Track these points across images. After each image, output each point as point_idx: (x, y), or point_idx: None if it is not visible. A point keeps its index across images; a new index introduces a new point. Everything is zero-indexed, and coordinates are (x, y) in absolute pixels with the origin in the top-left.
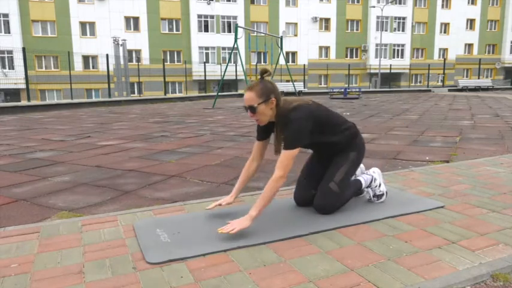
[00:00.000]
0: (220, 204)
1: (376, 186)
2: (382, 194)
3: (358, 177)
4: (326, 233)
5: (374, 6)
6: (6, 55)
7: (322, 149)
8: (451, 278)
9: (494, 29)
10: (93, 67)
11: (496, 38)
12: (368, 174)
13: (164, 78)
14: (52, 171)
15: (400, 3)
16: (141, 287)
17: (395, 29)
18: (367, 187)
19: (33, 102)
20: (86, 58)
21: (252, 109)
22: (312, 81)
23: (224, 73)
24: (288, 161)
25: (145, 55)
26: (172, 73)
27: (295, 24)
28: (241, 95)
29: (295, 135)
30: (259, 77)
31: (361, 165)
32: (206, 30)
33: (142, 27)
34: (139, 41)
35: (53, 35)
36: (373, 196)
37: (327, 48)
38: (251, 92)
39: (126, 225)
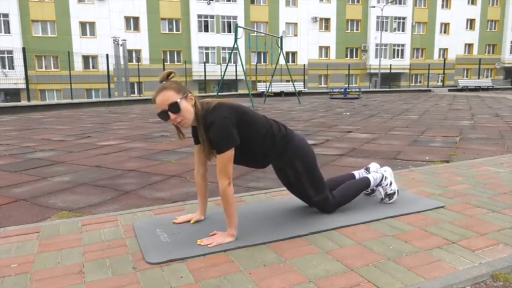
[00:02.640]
0: (188, 221)
1: (387, 185)
2: (394, 193)
3: (367, 175)
4: (326, 233)
5: (374, 6)
6: (6, 55)
7: (256, 158)
8: (451, 278)
9: (494, 29)
10: (93, 67)
11: (496, 38)
12: (378, 173)
13: None
14: (52, 171)
15: (400, 3)
16: (141, 287)
17: (395, 29)
18: (378, 185)
19: (33, 102)
20: (86, 58)
21: (174, 107)
22: (312, 81)
23: (224, 73)
24: (225, 165)
25: (145, 55)
26: None
27: (295, 24)
28: (242, 95)
29: (222, 136)
30: (163, 81)
31: (377, 165)
32: (206, 30)
33: (142, 27)
34: (139, 41)
35: (53, 35)
36: (385, 196)
37: (327, 48)
38: (167, 90)
39: (126, 225)
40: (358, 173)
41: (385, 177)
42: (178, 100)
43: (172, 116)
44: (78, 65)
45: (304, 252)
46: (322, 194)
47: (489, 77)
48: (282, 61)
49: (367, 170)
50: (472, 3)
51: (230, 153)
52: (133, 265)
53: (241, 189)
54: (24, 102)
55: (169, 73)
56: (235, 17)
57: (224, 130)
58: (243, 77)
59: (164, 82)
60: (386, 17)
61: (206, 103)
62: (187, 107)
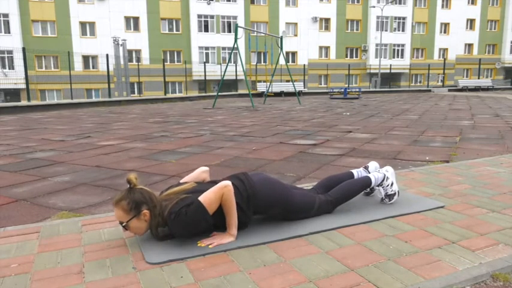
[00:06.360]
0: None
1: (388, 185)
2: (394, 194)
3: (368, 175)
4: (326, 233)
5: (374, 6)
6: (6, 55)
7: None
8: (451, 278)
9: (494, 29)
10: (93, 67)
11: (496, 38)
12: (380, 173)
13: (164, 78)
14: (52, 171)
15: (400, 3)
16: (141, 287)
17: (395, 29)
18: (379, 185)
19: (33, 102)
20: (86, 58)
21: (124, 225)
22: (312, 81)
23: (224, 73)
24: (211, 200)
25: (145, 55)
26: (172, 73)
27: (295, 24)
28: (242, 95)
29: (191, 218)
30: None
31: (376, 164)
32: (206, 30)
33: (142, 27)
34: (139, 41)
35: (53, 35)
36: (385, 196)
37: (327, 48)
38: (118, 209)
39: None
40: (357, 172)
41: (387, 177)
42: (125, 223)
43: (123, 229)
44: (78, 65)
45: (304, 252)
46: (313, 207)
47: (489, 77)
48: (282, 61)
49: (366, 168)
50: (472, 3)
51: (209, 203)
52: (133, 265)
53: None
54: (24, 102)
55: (129, 182)
56: (235, 17)
57: (189, 217)
58: (243, 77)
59: (121, 196)
60: (386, 17)
61: (165, 205)
62: (137, 225)
